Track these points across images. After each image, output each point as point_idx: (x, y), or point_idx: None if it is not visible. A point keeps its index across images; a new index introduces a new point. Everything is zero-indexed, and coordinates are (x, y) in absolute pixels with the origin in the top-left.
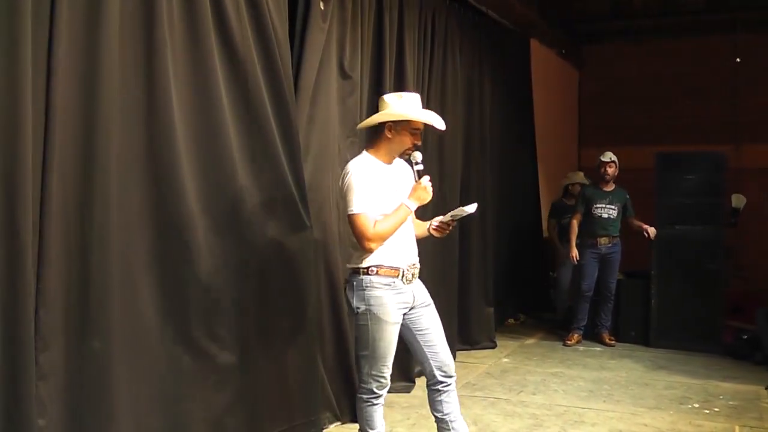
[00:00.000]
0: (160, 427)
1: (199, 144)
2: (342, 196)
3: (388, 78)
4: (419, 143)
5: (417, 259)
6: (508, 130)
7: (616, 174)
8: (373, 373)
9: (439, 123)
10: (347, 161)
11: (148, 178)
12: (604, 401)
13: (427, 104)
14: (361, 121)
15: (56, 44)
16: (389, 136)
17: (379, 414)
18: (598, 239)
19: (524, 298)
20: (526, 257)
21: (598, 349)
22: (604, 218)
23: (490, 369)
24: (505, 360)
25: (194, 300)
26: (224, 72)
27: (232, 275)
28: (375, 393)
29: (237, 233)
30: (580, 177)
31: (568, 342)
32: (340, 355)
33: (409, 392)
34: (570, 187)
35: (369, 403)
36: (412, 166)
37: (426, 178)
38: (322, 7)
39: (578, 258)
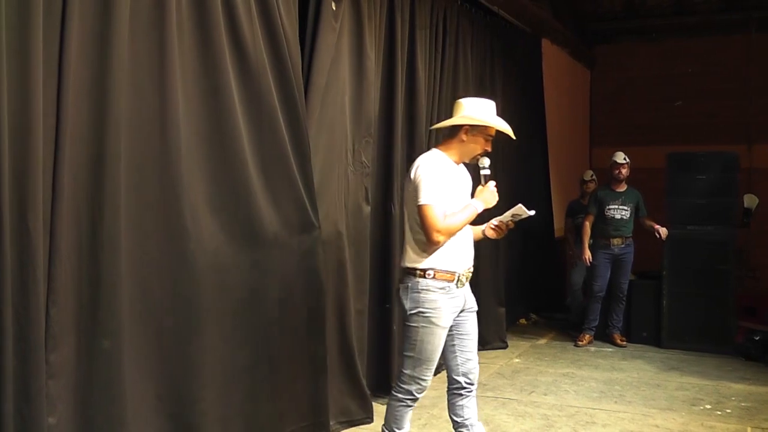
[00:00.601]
0: (170, 426)
1: (209, 144)
2: (413, 189)
3: (400, 78)
4: (489, 150)
5: (472, 263)
6: (520, 130)
7: (628, 174)
8: (416, 375)
9: (512, 132)
10: (362, 162)
11: (159, 179)
12: (616, 402)
13: (438, 104)
14: (375, 120)
15: (67, 45)
16: (464, 139)
17: (409, 416)
18: (611, 240)
19: (535, 298)
20: (538, 257)
21: (610, 349)
22: (617, 219)
23: (501, 369)
24: (517, 360)
25: (203, 300)
26: (234, 73)
27: (241, 275)
28: (413, 395)
29: (246, 233)
30: (587, 175)
31: (580, 342)
32: (345, 356)
33: None
34: (584, 187)
35: (404, 404)
36: (479, 171)
37: (492, 183)
38: (334, 8)
39: (591, 259)
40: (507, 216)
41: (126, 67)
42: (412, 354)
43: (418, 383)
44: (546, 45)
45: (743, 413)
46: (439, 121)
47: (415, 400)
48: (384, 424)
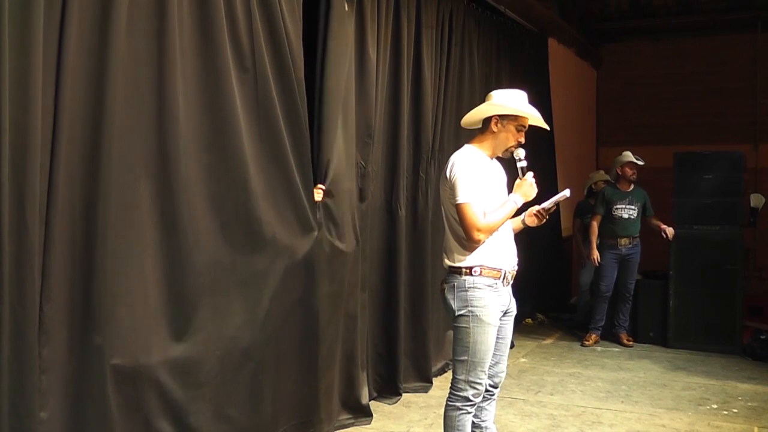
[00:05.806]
0: (163, 423)
1: (208, 144)
2: (449, 188)
3: (406, 77)
4: (523, 141)
5: (516, 261)
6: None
7: (634, 174)
8: (470, 379)
9: (543, 122)
10: (359, 164)
11: (156, 177)
12: (622, 402)
13: (444, 104)
14: (380, 120)
15: (66, 43)
16: (495, 130)
17: (470, 423)
18: (618, 240)
19: (542, 298)
20: (544, 257)
21: (616, 349)
22: (625, 219)
23: (507, 369)
24: (523, 360)
25: (199, 298)
26: (235, 73)
27: (238, 276)
28: (471, 401)
29: (244, 233)
30: (601, 175)
31: (586, 342)
32: (346, 357)
33: (426, 392)
34: (593, 186)
35: (463, 411)
36: (515, 163)
37: (530, 175)
38: (347, 8)
39: (599, 259)
40: (550, 203)
41: (125, 65)
42: (465, 357)
43: (475, 387)
44: (552, 44)
45: (750, 413)
46: (444, 120)
47: (473, 405)
48: None
